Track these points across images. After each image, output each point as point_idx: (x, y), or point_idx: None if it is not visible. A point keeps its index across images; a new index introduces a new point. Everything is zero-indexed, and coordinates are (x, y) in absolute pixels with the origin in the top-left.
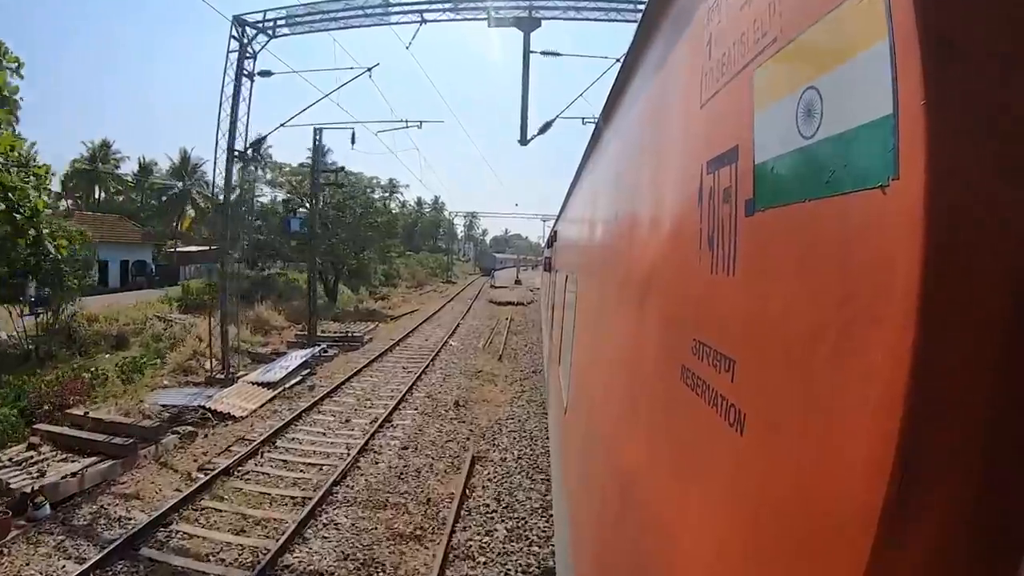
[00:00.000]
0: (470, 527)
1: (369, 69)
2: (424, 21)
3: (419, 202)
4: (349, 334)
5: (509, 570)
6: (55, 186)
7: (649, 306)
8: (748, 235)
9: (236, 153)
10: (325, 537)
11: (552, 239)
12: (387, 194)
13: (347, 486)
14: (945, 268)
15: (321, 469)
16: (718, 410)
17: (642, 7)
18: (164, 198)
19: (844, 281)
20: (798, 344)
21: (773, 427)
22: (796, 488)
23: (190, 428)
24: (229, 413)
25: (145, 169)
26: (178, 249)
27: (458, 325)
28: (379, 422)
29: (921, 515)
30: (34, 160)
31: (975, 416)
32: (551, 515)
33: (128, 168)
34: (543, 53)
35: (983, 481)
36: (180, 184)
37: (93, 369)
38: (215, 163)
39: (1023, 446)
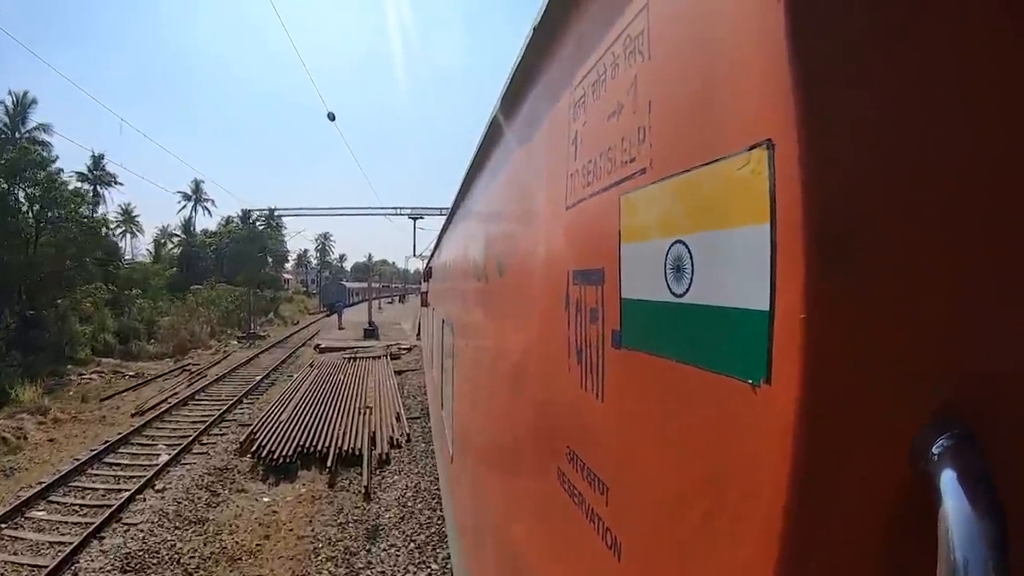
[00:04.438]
0: None
1: None
2: None
3: (246, 217)
4: None
5: None
6: None
7: (522, 398)
8: (616, 368)
9: None
10: None
11: (428, 274)
12: None
13: None
14: (808, 486)
15: None
16: (596, 528)
17: None
18: None
19: (715, 462)
20: (672, 499)
21: (646, 567)
22: None
23: None
24: None
25: None
26: None
27: None
28: None
29: None
30: None
31: None
32: None
33: None
34: None
35: None
36: None
37: None
38: None
39: None
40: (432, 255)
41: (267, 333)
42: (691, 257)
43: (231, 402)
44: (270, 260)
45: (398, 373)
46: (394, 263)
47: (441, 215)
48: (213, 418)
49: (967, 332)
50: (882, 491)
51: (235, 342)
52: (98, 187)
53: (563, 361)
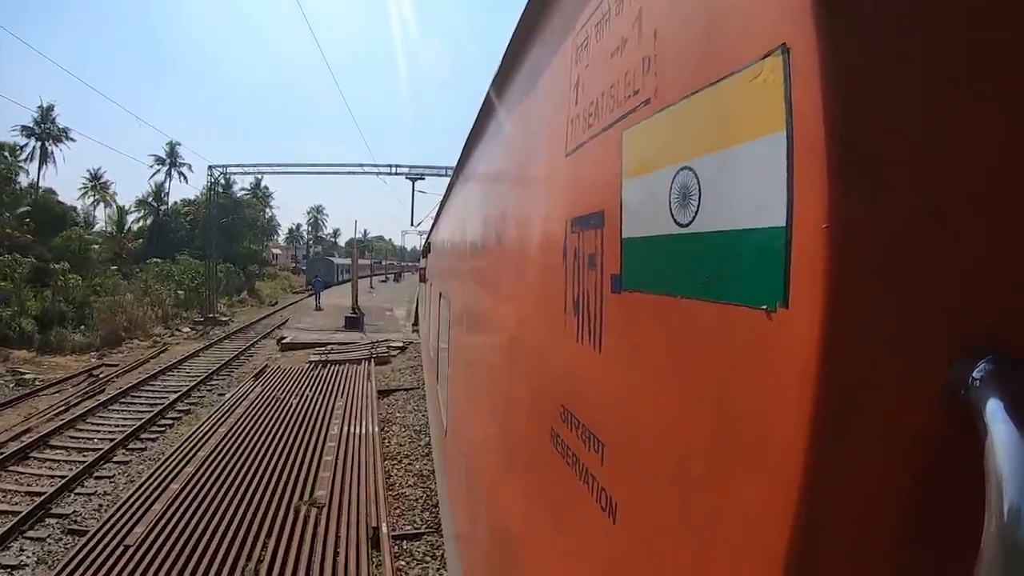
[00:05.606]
0: None
1: None
2: None
3: (227, 182)
4: None
5: None
6: None
7: (517, 359)
8: (615, 314)
9: None
10: None
11: (427, 250)
12: None
13: None
14: (833, 423)
15: None
16: (590, 490)
17: None
18: None
19: (725, 402)
20: (674, 452)
21: (646, 529)
22: None
23: None
24: None
25: None
26: None
27: None
28: None
29: None
30: None
31: (857, 565)
32: None
33: None
34: None
35: None
36: None
37: None
38: None
39: None
40: (431, 230)
41: (231, 317)
42: (698, 182)
43: (95, 456)
44: (259, 229)
45: (383, 394)
46: (390, 240)
47: (445, 175)
48: (33, 506)
49: (1010, 251)
50: (916, 424)
51: (188, 329)
52: (47, 143)
53: (559, 317)
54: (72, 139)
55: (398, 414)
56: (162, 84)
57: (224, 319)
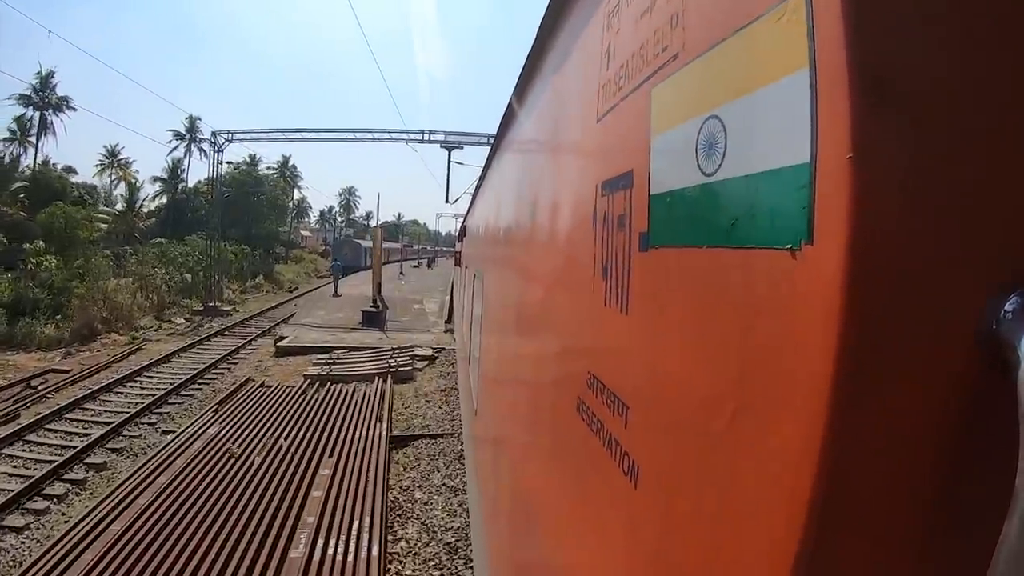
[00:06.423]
0: None
1: None
2: None
3: (253, 160)
4: None
5: None
6: None
7: (547, 330)
8: (642, 272)
9: None
10: None
11: (462, 233)
12: None
13: None
14: (860, 364)
15: None
16: (612, 455)
17: None
18: None
19: (747, 350)
20: (695, 407)
21: (666, 490)
22: (687, 563)
23: None
24: None
25: None
26: None
27: None
28: None
29: None
30: None
31: (885, 517)
32: None
33: None
34: None
35: None
36: None
37: None
38: None
39: (935, 545)
40: (467, 211)
41: (236, 306)
42: (724, 129)
43: None
44: (290, 210)
45: (397, 443)
46: (424, 224)
47: (486, 144)
48: None
49: None
50: (950, 361)
51: (182, 321)
52: (46, 113)
53: (588, 282)
54: (73, 108)
55: (417, 493)
56: (192, 60)
57: (227, 309)
